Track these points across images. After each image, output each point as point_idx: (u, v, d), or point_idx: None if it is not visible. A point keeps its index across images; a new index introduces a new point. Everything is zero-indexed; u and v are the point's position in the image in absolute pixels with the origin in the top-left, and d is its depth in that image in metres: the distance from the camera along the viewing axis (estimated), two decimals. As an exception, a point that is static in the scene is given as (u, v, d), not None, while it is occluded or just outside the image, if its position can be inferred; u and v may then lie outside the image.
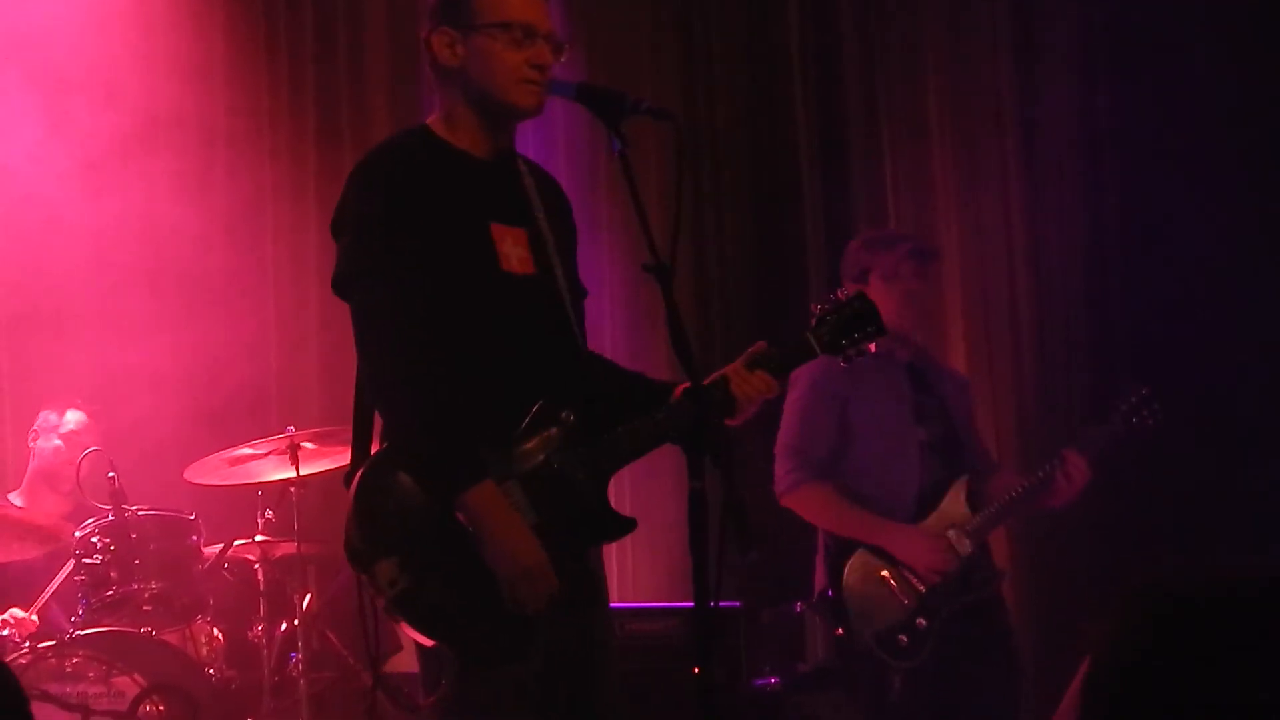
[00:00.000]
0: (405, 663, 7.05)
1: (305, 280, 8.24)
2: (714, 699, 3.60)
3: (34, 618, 6.70)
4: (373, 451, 4.02)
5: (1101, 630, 2.01)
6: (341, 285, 4.06)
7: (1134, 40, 7.71)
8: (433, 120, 4.20)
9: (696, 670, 3.78)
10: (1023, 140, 8.09)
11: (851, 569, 5.93)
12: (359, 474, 3.96)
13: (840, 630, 5.97)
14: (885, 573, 5.89)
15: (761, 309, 8.50)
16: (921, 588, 5.86)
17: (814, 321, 4.28)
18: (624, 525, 4.11)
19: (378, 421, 4.03)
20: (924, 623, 5.83)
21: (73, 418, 7.35)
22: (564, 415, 4.01)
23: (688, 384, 3.95)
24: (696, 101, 8.72)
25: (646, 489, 7.54)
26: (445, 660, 3.95)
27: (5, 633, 6.53)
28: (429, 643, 3.91)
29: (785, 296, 8.44)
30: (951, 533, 5.92)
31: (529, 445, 3.98)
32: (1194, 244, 7.38)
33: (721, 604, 3.72)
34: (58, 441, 7.33)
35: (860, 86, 8.52)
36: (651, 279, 3.72)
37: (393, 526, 3.89)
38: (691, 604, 3.62)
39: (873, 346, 4.33)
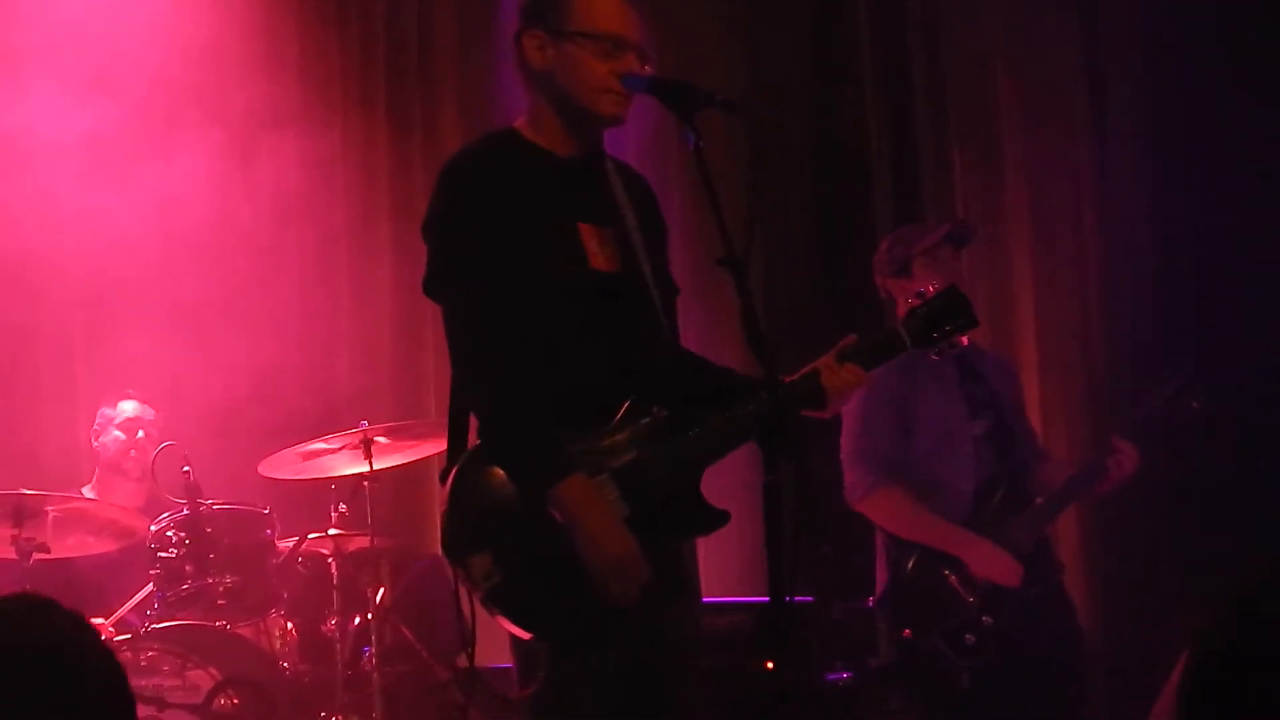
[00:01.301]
0: (480, 656, 7.09)
1: (378, 274, 8.29)
2: (788, 694, 3.61)
3: (111, 629, 6.74)
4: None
5: (1200, 622, 2.00)
6: (431, 287, 4.13)
7: (1202, 37, 7.65)
8: (520, 123, 4.23)
9: (770, 665, 3.78)
10: (1093, 135, 8.04)
11: (914, 568, 5.94)
12: (454, 470, 4.01)
13: (907, 631, 5.97)
14: (947, 570, 5.89)
15: (830, 303, 8.47)
16: (984, 584, 5.85)
17: (904, 314, 4.30)
18: (717, 518, 4.12)
19: (473, 420, 4.07)
20: (989, 620, 5.83)
21: (127, 406, 7.39)
22: (655, 410, 4.05)
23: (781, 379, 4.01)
24: (763, 95, 8.70)
25: (714, 482, 7.53)
26: (540, 652, 4.00)
27: None
28: (525, 635, 3.97)
29: (854, 291, 8.41)
30: (1012, 527, 5.91)
31: (621, 440, 4.02)
32: (1265, 242, 7.32)
33: (794, 598, 3.73)
34: (116, 432, 7.37)
35: (927, 79, 8.49)
36: (724, 273, 3.74)
37: (487, 521, 3.94)
38: (760, 599, 3.63)
39: (964, 339, 4.34)
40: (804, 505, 3.61)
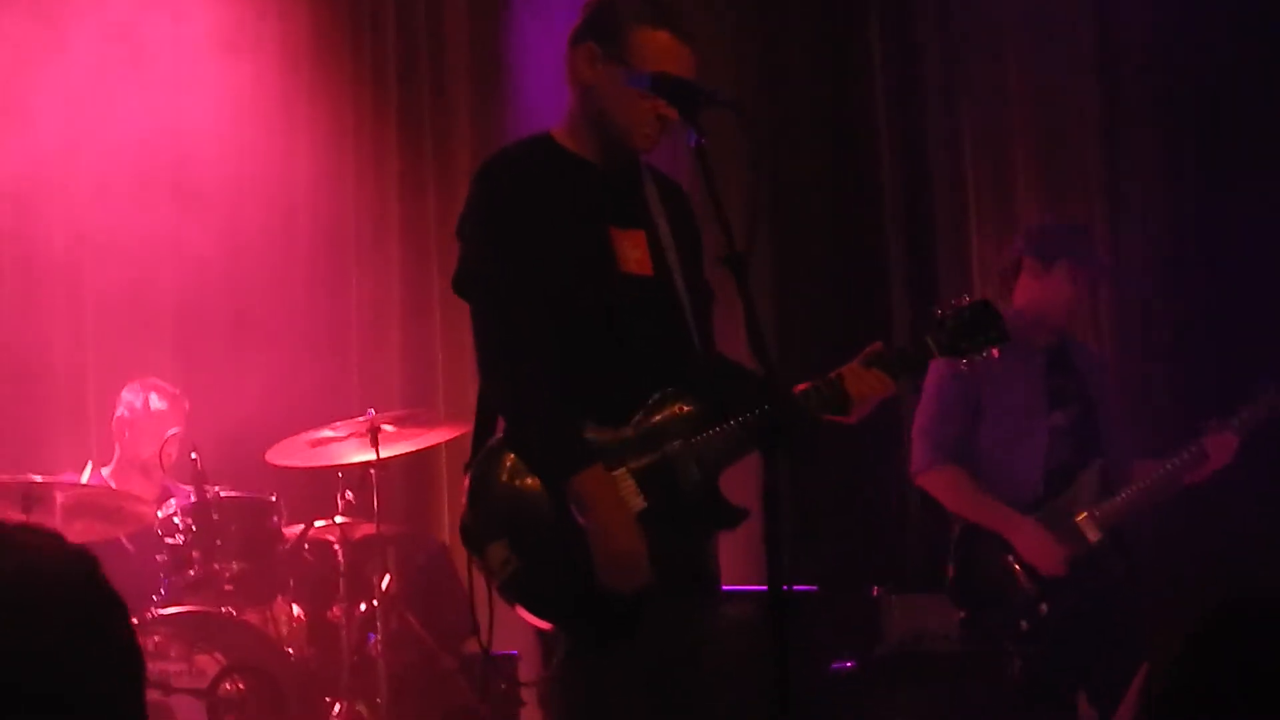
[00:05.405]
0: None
1: (387, 267, 8.31)
2: (789, 686, 3.62)
3: None
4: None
5: (1164, 639, 2.02)
6: (461, 285, 4.19)
7: (1214, 40, 7.63)
8: (557, 128, 4.29)
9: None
10: (1105, 132, 8.01)
11: (976, 550, 5.96)
12: (476, 461, 4.09)
13: (965, 613, 6.00)
14: (1009, 555, 5.91)
15: (841, 303, 8.47)
16: (1045, 574, 5.86)
17: (935, 325, 4.31)
18: (736, 515, 4.18)
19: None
20: (1045, 609, 5.83)
21: (157, 404, 7.39)
22: (678, 408, 4.11)
23: (804, 384, 4.11)
24: (776, 93, 8.70)
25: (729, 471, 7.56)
26: (557, 639, 4.05)
27: None
28: (543, 624, 4.03)
29: (865, 290, 8.42)
30: (1082, 518, 5.91)
31: (642, 435, 4.09)
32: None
33: (798, 588, 3.77)
34: (143, 425, 7.38)
35: (940, 81, 8.47)
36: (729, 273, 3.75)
37: (505, 511, 4.02)
38: (767, 588, 3.65)
39: (996, 351, 4.34)
40: (803, 507, 3.65)
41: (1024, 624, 5.85)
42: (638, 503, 4.02)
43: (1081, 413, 6.13)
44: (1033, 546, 5.88)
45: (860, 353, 4.22)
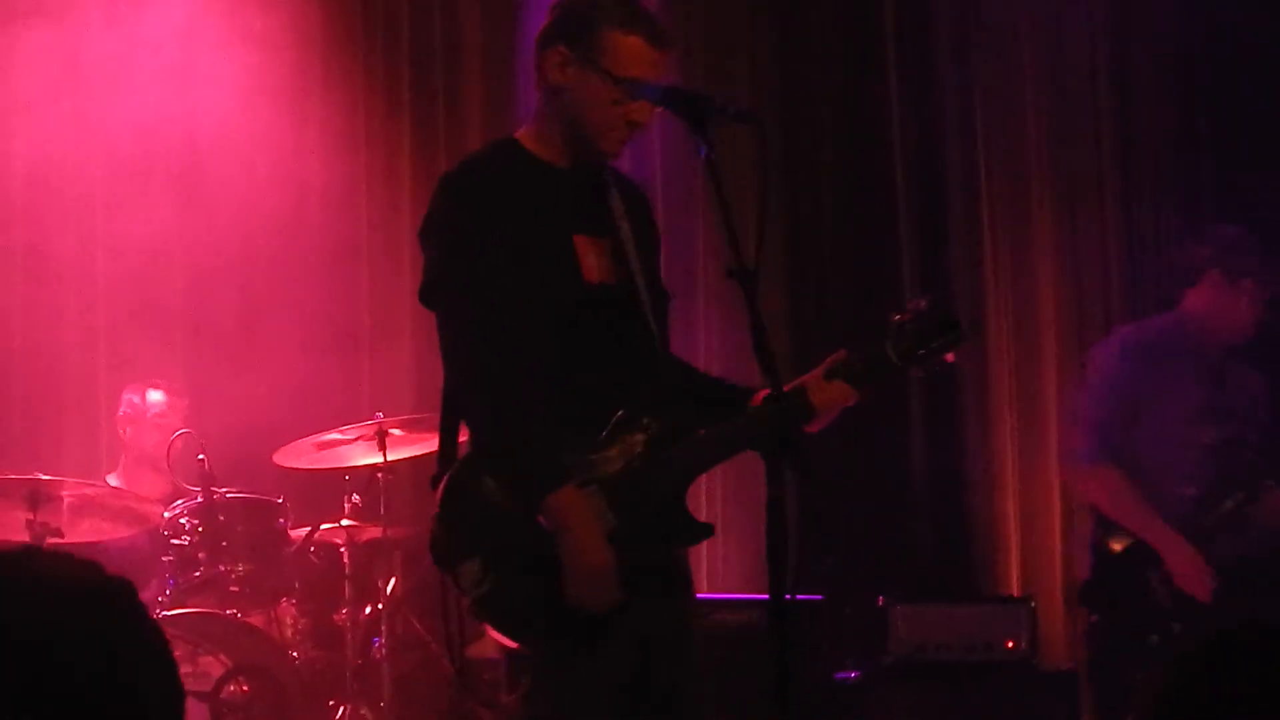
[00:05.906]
0: (485, 649, 7.11)
1: (398, 269, 8.30)
2: (790, 693, 3.59)
3: None
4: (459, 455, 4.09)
5: (1147, 684, 2.01)
6: (428, 295, 4.11)
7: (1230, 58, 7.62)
8: (522, 133, 4.23)
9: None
10: (1119, 142, 8.00)
11: (1117, 557, 5.88)
12: (446, 477, 4.02)
13: (1095, 617, 5.94)
14: (1150, 567, 5.82)
15: (854, 305, 8.44)
16: (1183, 593, 5.79)
17: (893, 330, 4.18)
18: (700, 531, 4.15)
19: (463, 427, 4.09)
20: (1179, 627, 5.75)
21: (155, 398, 7.41)
22: (645, 421, 4.03)
23: (767, 390, 3.96)
24: (790, 95, 8.68)
25: (737, 478, 7.55)
26: (527, 659, 4.00)
27: None
28: (513, 645, 3.98)
29: (878, 293, 8.40)
30: (1221, 544, 5.84)
31: (611, 451, 4.01)
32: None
33: (803, 597, 3.72)
34: (142, 420, 7.38)
35: (956, 92, 8.44)
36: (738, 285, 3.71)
37: (477, 529, 3.95)
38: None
39: (950, 356, 4.28)
40: (807, 520, 3.61)
41: (1155, 639, 5.78)
42: (609, 520, 3.95)
43: (1231, 434, 6.02)
44: (1187, 570, 5.78)
45: (822, 362, 4.14)
